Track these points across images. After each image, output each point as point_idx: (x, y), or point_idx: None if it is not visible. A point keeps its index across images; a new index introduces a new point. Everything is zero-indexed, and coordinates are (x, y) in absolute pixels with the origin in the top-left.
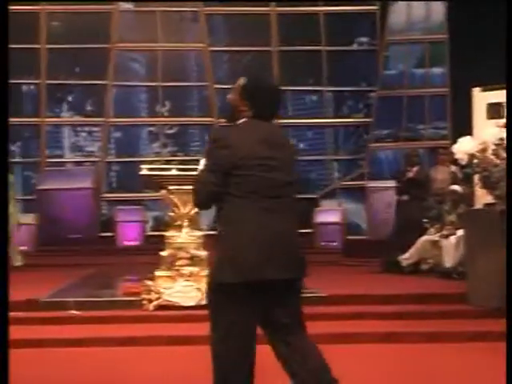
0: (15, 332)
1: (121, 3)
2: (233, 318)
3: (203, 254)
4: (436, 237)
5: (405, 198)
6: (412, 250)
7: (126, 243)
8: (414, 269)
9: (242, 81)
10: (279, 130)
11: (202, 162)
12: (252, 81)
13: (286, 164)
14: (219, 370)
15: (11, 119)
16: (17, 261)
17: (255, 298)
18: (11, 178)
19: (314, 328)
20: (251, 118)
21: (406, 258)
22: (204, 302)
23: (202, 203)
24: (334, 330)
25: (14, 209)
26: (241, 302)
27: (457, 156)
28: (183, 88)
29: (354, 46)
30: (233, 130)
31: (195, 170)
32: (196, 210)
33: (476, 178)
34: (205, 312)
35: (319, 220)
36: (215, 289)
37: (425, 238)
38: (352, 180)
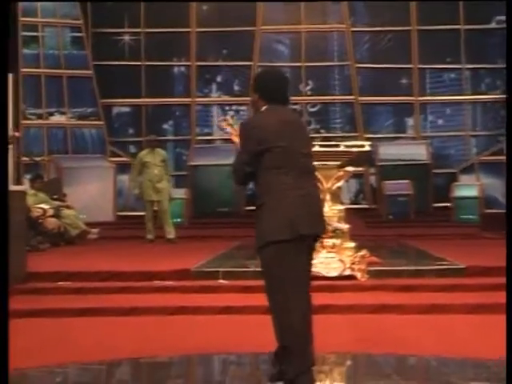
0: (167, 300)
1: None
2: (286, 269)
3: (345, 226)
4: None
5: None
6: None
7: None
8: None
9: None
10: (293, 112)
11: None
12: (259, 75)
13: (303, 139)
14: (280, 315)
15: (164, 99)
16: (170, 234)
17: (301, 250)
18: (165, 155)
19: (452, 299)
20: (268, 106)
21: None
22: (346, 273)
23: (238, 181)
24: (473, 300)
25: (167, 184)
26: (291, 254)
27: None
28: (325, 68)
29: (493, 25)
30: (256, 116)
31: (337, 146)
32: (338, 184)
33: None
34: (347, 282)
35: (457, 194)
36: (269, 247)
37: None
38: (490, 155)
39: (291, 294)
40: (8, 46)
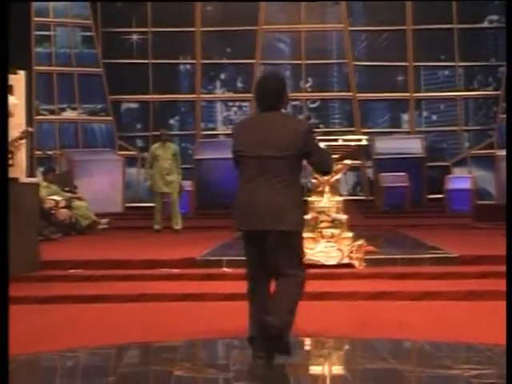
0: (174, 287)
1: None
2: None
3: (343, 217)
4: None
5: None
6: None
7: None
8: None
9: None
10: (281, 117)
11: None
12: (257, 81)
13: (279, 143)
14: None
15: (170, 96)
16: (177, 224)
17: (253, 241)
18: (176, 149)
19: (445, 286)
20: (258, 111)
21: None
22: (345, 261)
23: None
24: (465, 288)
25: (177, 177)
26: (245, 243)
27: None
28: (324, 65)
29: (485, 24)
30: (244, 120)
31: (336, 140)
32: (336, 177)
33: None
34: (345, 270)
35: (450, 186)
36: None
37: None
38: (482, 149)
39: (248, 274)
40: (8, 45)
